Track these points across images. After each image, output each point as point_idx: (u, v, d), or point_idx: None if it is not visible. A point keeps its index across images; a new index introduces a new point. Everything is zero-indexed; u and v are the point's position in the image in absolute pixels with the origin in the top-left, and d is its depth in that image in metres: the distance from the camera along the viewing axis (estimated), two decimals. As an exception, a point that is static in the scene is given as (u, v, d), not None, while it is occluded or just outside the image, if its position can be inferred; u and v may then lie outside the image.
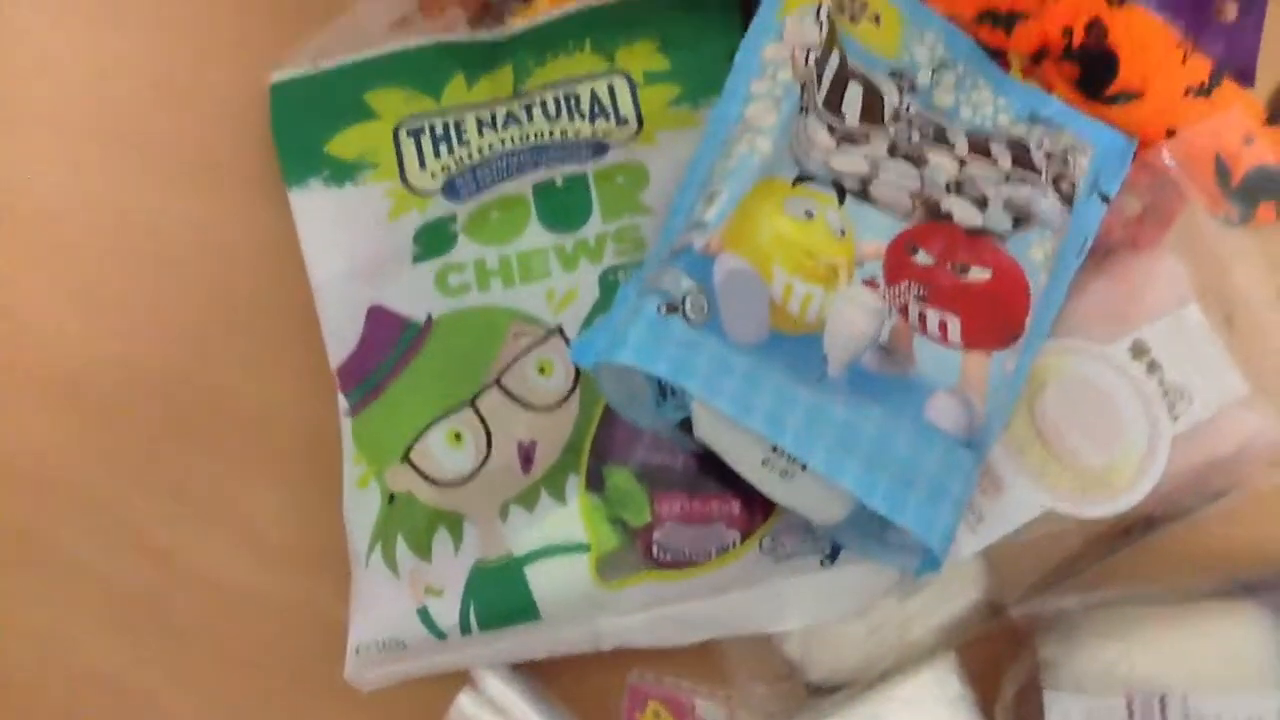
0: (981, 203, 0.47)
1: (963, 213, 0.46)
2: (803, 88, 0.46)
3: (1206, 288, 0.51)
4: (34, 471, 0.50)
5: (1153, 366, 0.47)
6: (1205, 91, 0.52)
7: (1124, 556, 0.49)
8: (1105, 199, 0.50)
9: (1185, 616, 0.45)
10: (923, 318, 0.43)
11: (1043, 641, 0.46)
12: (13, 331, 0.50)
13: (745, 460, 0.40)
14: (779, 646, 0.45)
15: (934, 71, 0.50)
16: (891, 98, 0.49)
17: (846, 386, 0.41)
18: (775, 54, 0.47)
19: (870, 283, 0.44)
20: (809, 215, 0.44)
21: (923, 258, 0.45)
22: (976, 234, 0.46)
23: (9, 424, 0.51)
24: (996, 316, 0.44)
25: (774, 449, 0.40)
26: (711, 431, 0.40)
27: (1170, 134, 0.52)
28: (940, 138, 0.49)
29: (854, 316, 0.42)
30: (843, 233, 0.44)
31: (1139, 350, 0.47)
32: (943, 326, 0.43)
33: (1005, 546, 0.45)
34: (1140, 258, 0.50)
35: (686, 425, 0.42)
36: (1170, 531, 0.49)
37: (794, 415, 0.39)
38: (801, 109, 0.46)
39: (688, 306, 0.40)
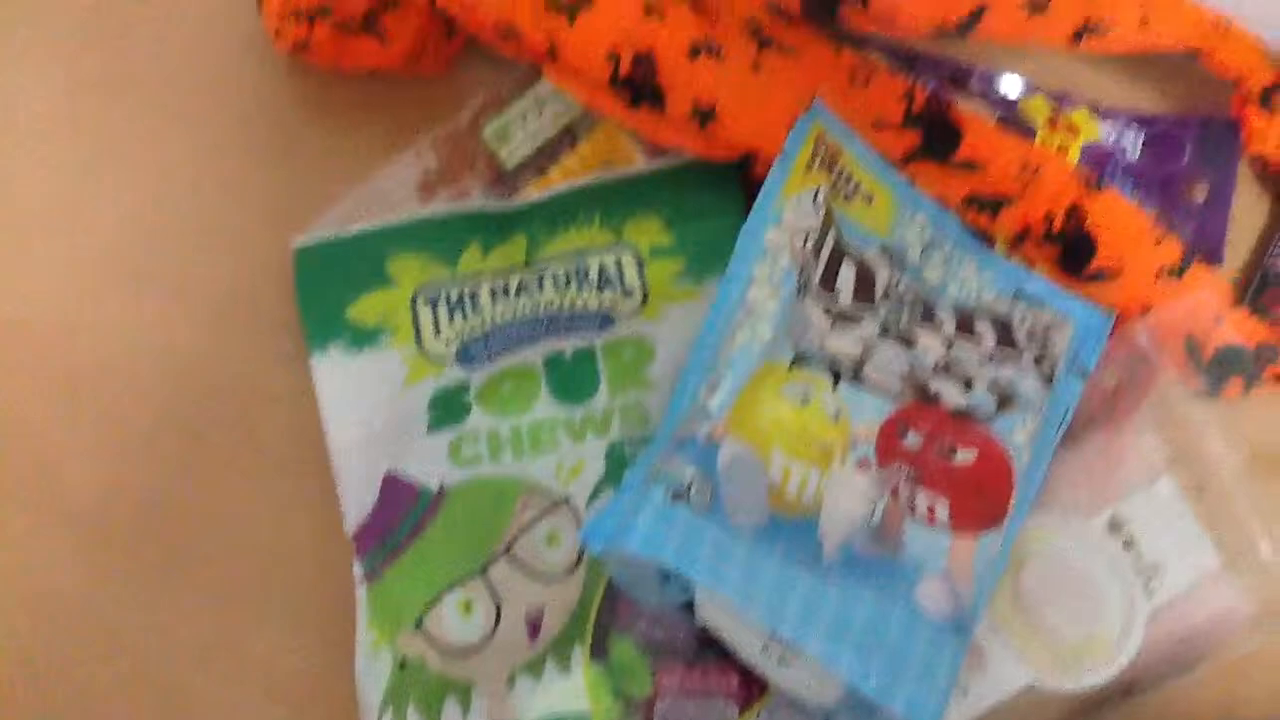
0: (967, 384, 0.49)
1: (949, 394, 0.49)
2: (801, 271, 0.49)
3: (1179, 458, 0.53)
4: (44, 602, 0.51)
5: (1129, 543, 0.50)
6: (1177, 273, 0.55)
7: (1101, 723, 0.51)
8: (1084, 373, 0.53)
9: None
10: (912, 500, 0.46)
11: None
12: (32, 463, 0.52)
13: (745, 645, 0.42)
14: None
15: (923, 250, 0.53)
16: (883, 273, 0.52)
17: (840, 570, 0.43)
18: (776, 238, 0.50)
19: (863, 464, 0.46)
20: (805, 399, 0.46)
21: (912, 440, 0.47)
22: (963, 415, 0.48)
23: (18, 553, 0.52)
24: (982, 500, 0.46)
25: (773, 635, 0.42)
26: (713, 616, 0.42)
27: (1145, 311, 0.55)
28: (928, 316, 0.51)
29: (848, 499, 0.45)
30: (837, 415, 0.47)
31: (1115, 526, 0.50)
32: (931, 509, 0.46)
33: (988, 717, 0.47)
34: (1116, 432, 0.52)
35: (689, 604, 0.44)
36: (1145, 699, 0.52)
37: (792, 603, 0.41)
38: (799, 292, 0.49)
39: (692, 494, 0.42)
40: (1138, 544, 0.49)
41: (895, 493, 0.45)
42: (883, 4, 0.49)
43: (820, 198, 0.50)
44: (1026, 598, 0.48)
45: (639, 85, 0.50)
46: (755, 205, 0.50)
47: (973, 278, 0.54)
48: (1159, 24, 0.52)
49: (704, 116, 0.50)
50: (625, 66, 0.49)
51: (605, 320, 0.51)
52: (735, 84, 0.51)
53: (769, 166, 0.51)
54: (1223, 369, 0.55)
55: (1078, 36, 0.51)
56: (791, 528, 0.43)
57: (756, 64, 0.52)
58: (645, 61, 0.49)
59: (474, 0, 0.47)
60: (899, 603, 0.42)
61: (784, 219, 0.50)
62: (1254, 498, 0.53)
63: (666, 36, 0.50)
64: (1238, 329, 0.55)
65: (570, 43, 0.48)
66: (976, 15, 0.49)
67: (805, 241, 0.49)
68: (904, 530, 0.45)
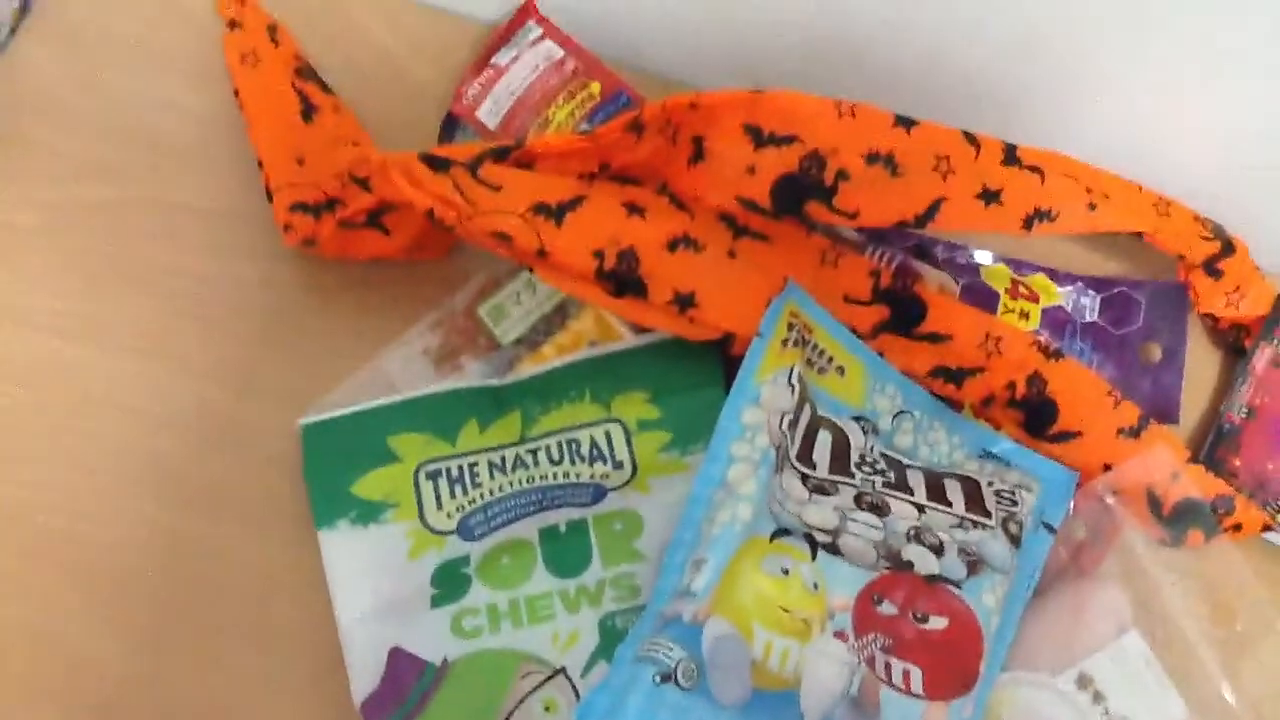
0: (938, 550, 0.53)
1: (921, 561, 0.52)
2: (778, 450, 0.52)
3: (1145, 609, 0.56)
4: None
5: (1098, 697, 0.52)
6: (1135, 433, 0.58)
7: None
8: (1051, 529, 0.56)
9: None
10: (888, 668, 0.49)
11: None
12: (47, 654, 0.54)
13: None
14: None
15: (894, 418, 0.57)
16: (857, 440, 0.56)
17: (821, 743, 0.45)
18: (754, 418, 0.53)
19: (840, 635, 0.49)
20: (785, 572, 0.50)
21: (887, 608, 0.50)
22: (934, 581, 0.52)
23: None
24: (954, 665, 0.49)
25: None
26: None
27: (1106, 468, 0.58)
28: (901, 483, 0.55)
29: (826, 670, 0.47)
30: (815, 586, 0.50)
31: (1084, 681, 0.52)
32: (906, 677, 0.48)
33: None
34: (1083, 588, 0.55)
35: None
36: None
37: (774, 778, 0.44)
38: (777, 467, 0.52)
39: (679, 674, 0.45)
40: (1106, 699, 0.52)
41: (871, 662, 0.48)
42: (846, 203, 0.53)
43: (795, 376, 0.54)
44: (1001, 756, 0.51)
45: (622, 278, 0.53)
46: (734, 386, 0.54)
47: (943, 441, 0.58)
48: (1105, 210, 0.56)
49: (684, 303, 0.54)
50: (610, 261, 0.53)
51: (597, 492, 0.54)
52: (713, 272, 0.55)
53: (747, 344, 0.55)
54: (1183, 521, 0.58)
55: (1028, 223, 0.55)
56: (775, 701, 0.46)
57: (732, 251, 0.56)
58: (628, 256, 0.53)
59: (468, 212, 0.51)
60: (878, 772, 0.45)
61: (762, 398, 0.54)
62: (1216, 646, 0.56)
63: (647, 232, 0.54)
64: (1195, 483, 0.58)
65: (558, 244, 0.52)
66: (934, 208, 0.53)
67: (782, 421, 0.53)
68: (880, 700, 0.47)
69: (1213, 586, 0.57)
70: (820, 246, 0.58)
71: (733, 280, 0.56)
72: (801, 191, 0.53)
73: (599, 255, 0.53)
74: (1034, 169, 0.56)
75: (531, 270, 0.53)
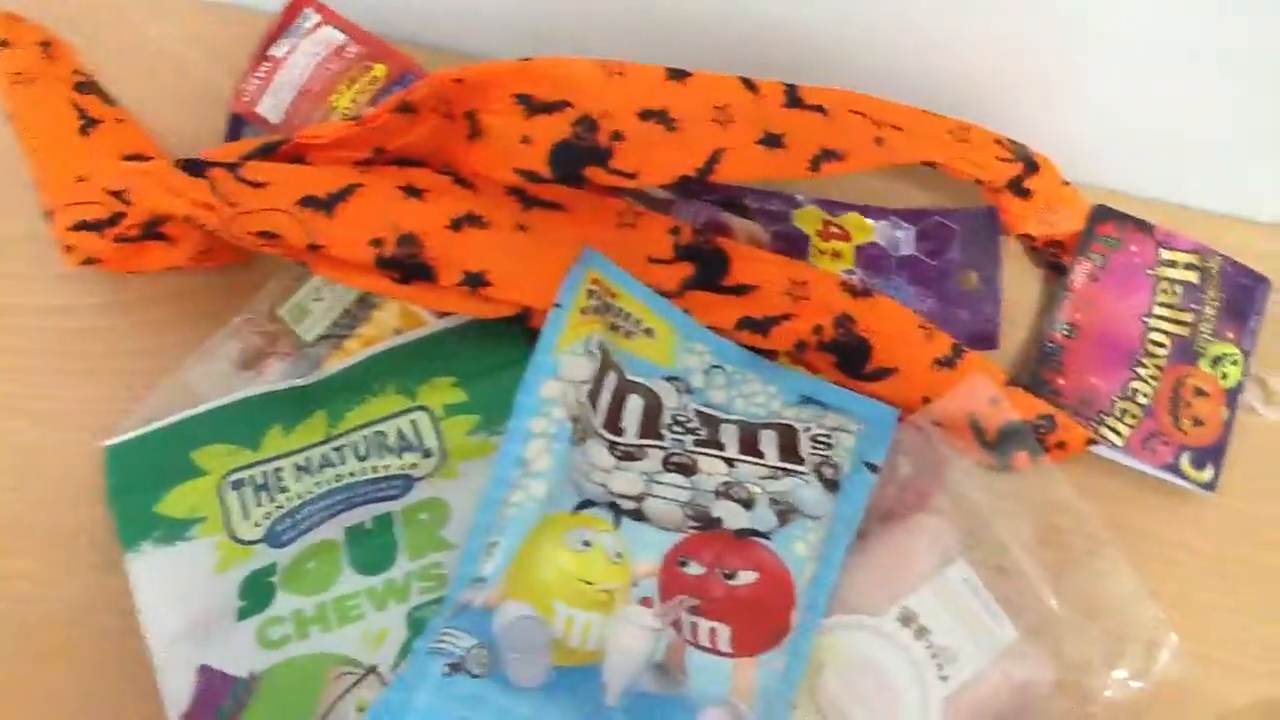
0: (748, 503, 0.52)
1: (730, 516, 0.52)
2: (575, 422, 0.51)
3: (973, 538, 0.56)
4: None
5: (921, 631, 0.52)
6: (950, 363, 0.58)
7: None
8: (873, 469, 0.56)
9: None
10: (695, 629, 0.48)
11: None
12: None
13: (533, 799, 0.44)
14: None
15: (705, 374, 0.56)
16: (670, 400, 0.55)
17: (624, 713, 0.45)
18: (552, 391, 0.52)
19: (645, 601, 0.49)
20: (587, 544, 0.49)
21: (694, 568, 0.50)
22: (743, 536, 0.51)
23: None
24: (763, 619, 0.49)
25: (557, 788, 0.44)
26: (499, 775, 0.44)
27: (926, 401, 0.58)
28: (713, 439, 0.54)
29: (630, 638, 0.47)
30: (619, 555, 0.49)
31: (907, 618, 0.52)
32: (713, 636, 0.48)
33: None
34: (904, 525, 0.55)
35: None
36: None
37: (573, 756, 0.43)
38: (576, 440, 0.51)
39: (470, 662, 0.44)
40: (930, 632, 0.52)
41: (678, 625, 0.48)
42: (624, 163, 0.52)
43: (595, 344, 0.53)
44: (827, 700, 0.51)
45: (406, 263, 0.52)
46: (532, 360, 0.53)
47: (759, 392, 0.57)
48: (895, 142, 0.56)
49: (476, 282, 0.53)
50: (390, 248, 0.52)
51: (406, 484, 0.53)
52: (502, 247, 0.54)
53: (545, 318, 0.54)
54: (1007, 445, 0.58)
55: (815, 164, 0.54)
56: (576, 677, 0.46)
57: (522, 224, 0.55)
58: (409, 241, 0.52)
59: (229, 214, 0.50)
60: (682, 737, 0.45)
61: (561, 370, 0.53)
62: (1045, 566, 0.56)
63: (428, 214, 0.53)
64: (1015, 405, 0.58)
65: (332, 235, 0.51)
66: (714, 159, 0.52)
67: (580, 392, 0.52)
68: (686, 661, 0.47)
69: (1039, 508, 0.57)
70: (617, 209, 0.57)
71: (525, 254, 0.55)
72: (578, 156, 0.52)
73: (377, 243, 0.52)
74: (817, 109, 0.55)
75: (305, 265, 0.52)
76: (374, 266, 0.52)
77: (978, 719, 0.52)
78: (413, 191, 0.53)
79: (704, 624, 0.48)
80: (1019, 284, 0.64)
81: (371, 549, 0.52)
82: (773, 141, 0.53)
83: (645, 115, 0.52)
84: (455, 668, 0.44)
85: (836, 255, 0.62)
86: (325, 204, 0.51)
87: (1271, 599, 0.60)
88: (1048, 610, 0.56)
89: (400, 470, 0.54)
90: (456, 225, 0.53)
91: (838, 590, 0.53)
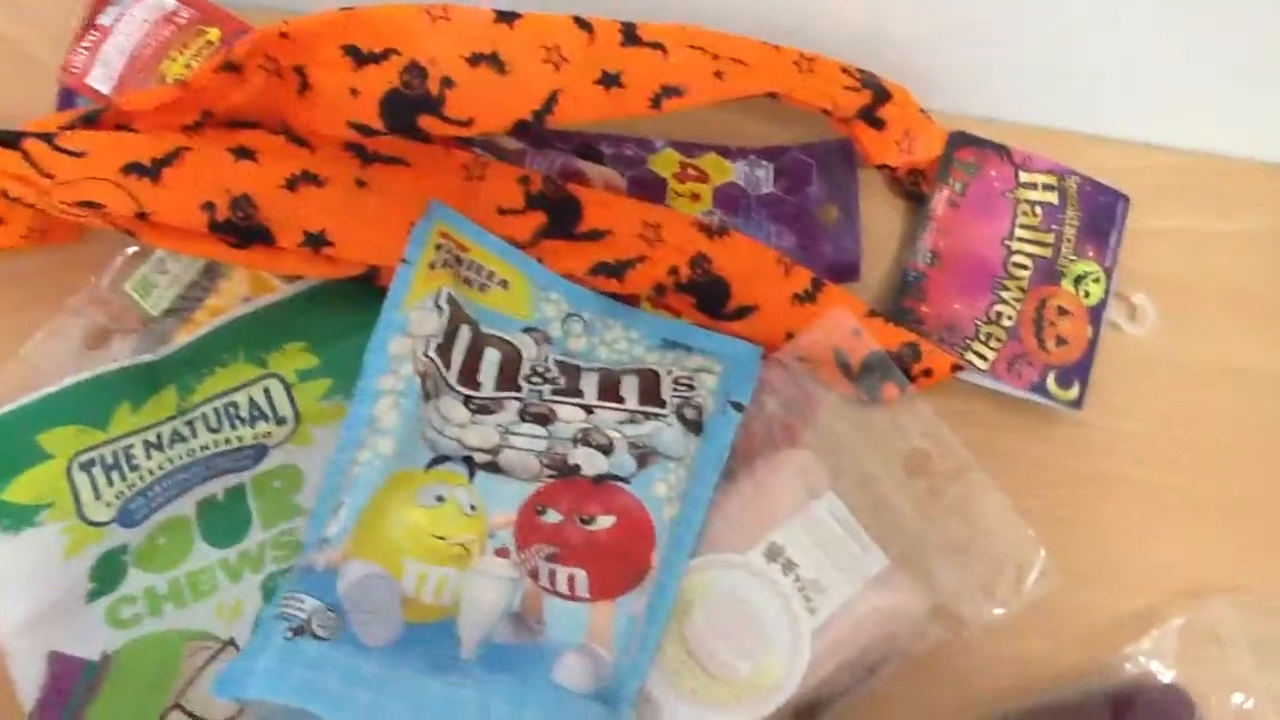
0: (607, 449, 0.52)
1: (589, 463, 0.51)
2: (424, 378, 0.50)
3: (841, 470, 0.56)
4: None
5: (788, 565, 0.52)
6: (810, 297, 0.58)
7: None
8: (739, 407, 0.55)
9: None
10: (552, 576, 0.48)
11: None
12: None
13: (387, 758, 0.43)
14: None
15: (563, 323, 0.55)
16: (530, 352, 0.54)
17: (479, 665, 0.44)
18: (401, 348, 0.51)
19: (501, 552, 0.48)
20: (440, 500, 0.48)
21: (551, 516, 0.49)
22: (602, 481, 0.51)
23: None
24: (622, 562, 0.49)
25: (410, 744, 0.43)
26: (353, 736, 0.43)
27: (789, 338, 0.58)
28: (572, 388, 0.53)
29: (485, 590, 0.46)
30: (473, 508, 0.48)
31: (774, 553, 0.52)
32: (570, 582, 0.48)
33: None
34: (768, 461, 0.55)
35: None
36: (840, 710, 0.54)
37: (425, 713, 0.42)
38: (427, 396, 0.50)
39: (315, 625, 0.43)
40: (798, 566, 0.52)
41: (535, 574, 0.47)
42: (457, 110, 0.51)
43: (444, 298, 0.52)
44: (695, 640, 0.50)
45: (242, 227, 0.51)
46: (380, 318, 0.52)
47: (620, 338, 0.57)
48: (736, 76, 0.55)
49: (316, 242, 0.52)
50: (223, 212, 0.51)
51: (259, 453, 0.52)
52: (342, 205, 0.53)
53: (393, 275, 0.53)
54: (873, 376, 0.58)
55: (656, 102, 0.53)
56: (429, 633, 0.45)
57: (361, 180, 0.54)
58: (243, 203, 0.51)
59: (45, 185, 0.48)
60: (538, 685, 0.44)
61: (409, 327, 0.52)
62: (914, 495, 0.56)
63: (261, 175, 0.52)
64: (877, 336, 0.58)
65: (159, 202, 0.50)
66: (550, 102, 0.51)
67: (428, 347, 0.51)
68: (544, 610, 0.47)
69: (906, 437, 0.57)
70: (463, 161, 0.56)
71: (366, 211, 0.53)
72: (409, 106, 0.51)
73: (209, 207, 0.50)
74: (656, 45, 0.54)
75: (134, 235, 0.50)
76: (208, 232, 0.51)
77: (849, 649, 0.52)
78: (244, 153, 0.52)
79: (561, 571, 0.47)
80: (882, 216, 0.64)
81: (224, 521, 0.51)
82: (611, 81, 0.53)
83: (475, 60, 0.51)
84: (299, 631, 0.43)
85: (695, 197, 0.62)
86: (150, 170, 0.50)
87: (1141, 515, 0.61)
88: (918, 538, 0.56)
89: (254, 440, 0.53)
90: (292, 185, 0.52)
91: (704, 530, 0.52)
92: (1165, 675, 0.56)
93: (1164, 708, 0.54)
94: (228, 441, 0.53)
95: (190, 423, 0.53)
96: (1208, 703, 0.55)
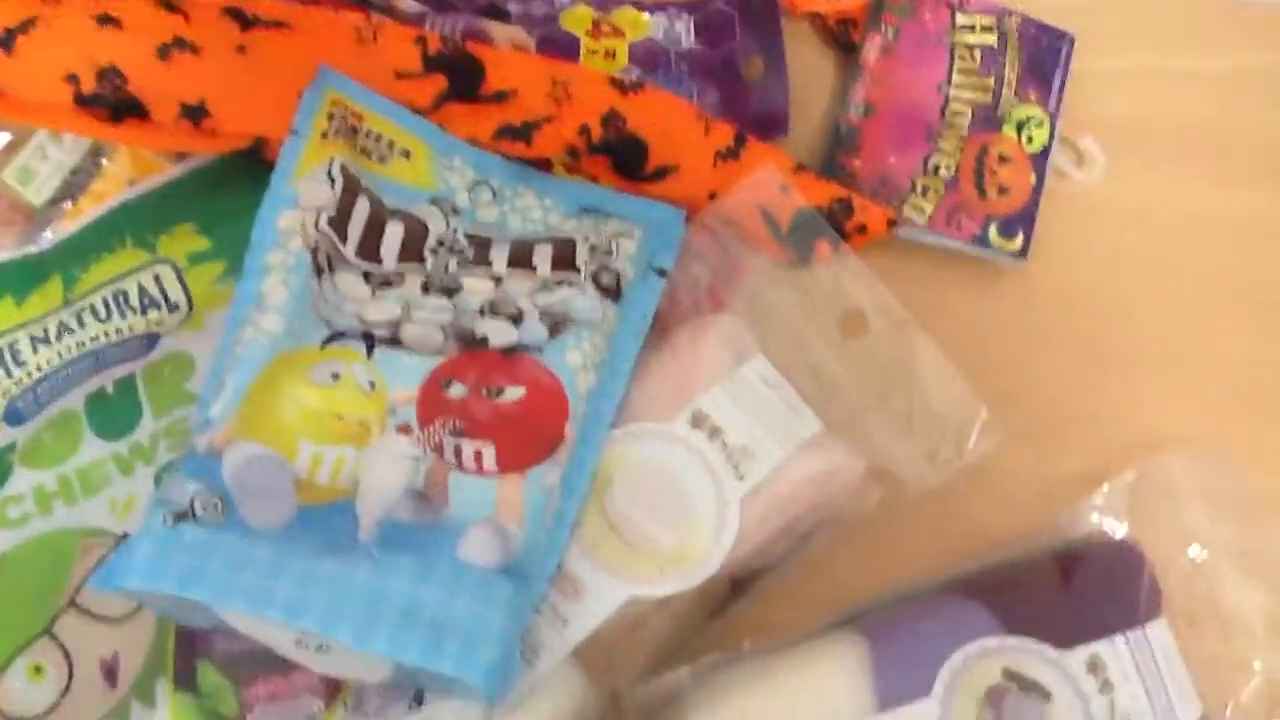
0: (517, 319, 0.49)
1: (497, 333, 0.48)
2: (315, 252, 0.47)
3: (771, 334, 0.53)
4: None
5: (714, 432, 0.49)
6: (734, 154, 0.55)
7: (741, 616, 0.51)
8: (662, 273, 0.52)
9: (780, 665, 0.48)
10: (458, 452, 0.45)
11: None
12: None
13: (280, 643, 0.41)
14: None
15: (470, 192, 0.52)
16: (437, 225, 0.51)
17: (379, 545, 0.42)
18: (290, 222, 0.48)
19: (404, 429, 0.45)
20: (335, 377, 0.45)
21: (457, 390, 0.46)
22: (512, 352, 0.48)
23: None
24: (532, 433, 0.46)
25: (304, 630, 0.41)
26: (242, 623, 0.41)
27: (713, 197, 0.54)
28: (481, 259, 0.50)
29: (386, 469, 0.44)
30: (372, 385, 0.46)
31: (698, 419, 0.50)
32: (478, 457, 0.45)
33: (601, 638, 0.47)
34: (693, 327, 0.52)
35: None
36: (780, 578, 0.52)
37: (317, 595, 0.40)
38: (320, 271, 0.47)
39: (198, 509, 0.41)
40: (724, 432, 0.49)
41: (440, 450, 0.45)
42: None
43: (335, 168, 0.49)
44: (616, 513, 0.48)
45: (112, 100, 0.47)
46: (267, 192, 0.49)
47: (534, 206, 0.53)
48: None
49: (195, 114, 0.49)
50: (89, 84, 0.47)
51: (151, 342, 0.49)
52: (220, 74, 0.49)
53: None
54: (804, 234, 0.55)
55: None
56: (325, 515, 0.42)
57: (242, 46, 0.50)
58: (111, 75, 0.47)
59: None
60: (441, 564, 0.42)
61: (299, 200, 0.49)
62: (848, 355, 0.54)
63: (129, 44, 0.48)
64: (805, 191, 0.55)
65: (14, 75, 0.46)
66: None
67: (318, 219, 0.48)
68: (450, 487, 0.44)
69: (840, 297, 0.54)
70: (354, 24, 0.52)
71: (248, 79, 0.50)
72: (280, -41, 0.47)
73: (72, 79, 0.47)
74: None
75: (-10, 111, 0.47)
76: (74, 106, 0.47)
77: (782, 516, 0.50)
78: (108, 20, 0.48)
79: (468, 446, 0.45)
80: (812, 68, 0.61)
81: (113, 413, 0.48)
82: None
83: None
84: (180, 517, 0.40)
85: (610, 55, 0.58)
86: (2, 40, 0.46)
87: (1090, 369, 0.58)
88: (854, 401, 0.53)
89: (146, 330, 0.50)
90: (164, 53, 0.48)
91: (625, 401, 0.50)
92: (1117, 531, 0.54)
93: (1115, 563, 0.52)
94: (118, 332, 0.50)
95: (78, 314, 0.50)
96: (1161, 557, 0.53)
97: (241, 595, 0.39)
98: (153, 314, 0.50)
